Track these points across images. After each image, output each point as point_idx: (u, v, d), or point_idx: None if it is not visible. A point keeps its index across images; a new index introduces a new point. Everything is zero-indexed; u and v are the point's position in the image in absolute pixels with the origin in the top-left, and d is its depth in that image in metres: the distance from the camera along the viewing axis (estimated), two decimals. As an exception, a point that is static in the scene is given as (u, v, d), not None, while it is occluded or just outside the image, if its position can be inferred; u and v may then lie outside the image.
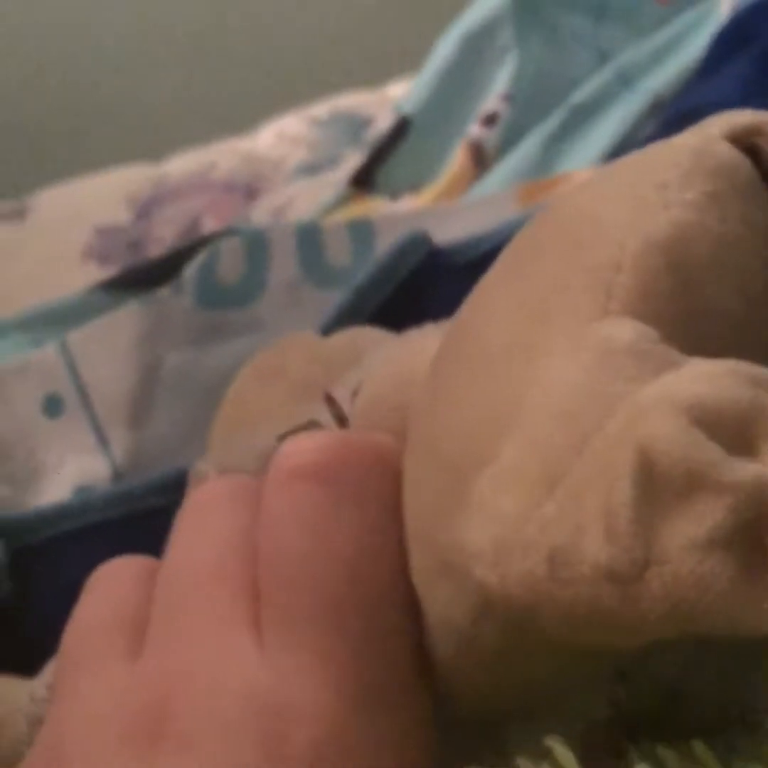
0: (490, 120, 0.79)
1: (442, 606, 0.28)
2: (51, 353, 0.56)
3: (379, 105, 1.02)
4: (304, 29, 1.52)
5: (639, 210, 0.27)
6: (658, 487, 0.23)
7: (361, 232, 0.65)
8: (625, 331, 0.25)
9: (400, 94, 1.04)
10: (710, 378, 0.24)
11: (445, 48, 0.85)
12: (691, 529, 0.22)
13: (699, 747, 0.26)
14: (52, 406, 0.55)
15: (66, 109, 1.56)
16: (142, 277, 0.69)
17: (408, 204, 0.77)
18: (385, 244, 0.64)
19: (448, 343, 0.30)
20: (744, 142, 0.29)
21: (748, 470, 0.22)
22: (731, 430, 0.23)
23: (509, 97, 0.80)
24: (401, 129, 0.80)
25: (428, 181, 0.79)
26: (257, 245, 0.64)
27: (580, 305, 0.27)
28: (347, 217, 0.70)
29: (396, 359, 0.36)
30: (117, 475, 0.54)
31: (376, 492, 0.30)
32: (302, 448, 0.31)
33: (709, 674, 0.29)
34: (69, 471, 0.54)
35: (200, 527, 0.32)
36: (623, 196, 0.28)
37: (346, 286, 0.61)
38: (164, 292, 0.59)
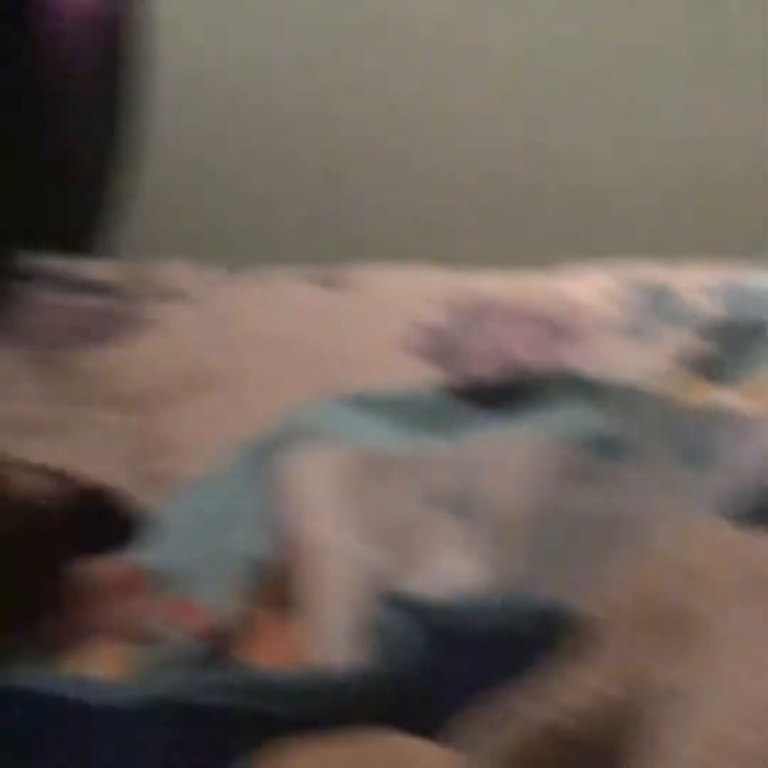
0: None
1: None
2: (446, 453, 0.60)
3: (679, 282, 1.05)
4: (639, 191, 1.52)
5: None
6: None
7: (720, 420, 0.68)
8: None
9: (696, 276, 1.07)
10: None
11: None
12: None
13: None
14: (443, 504, 0.58)
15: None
16: (488, 395, 0.73)
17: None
18: (738, 438, 0.67)
19: None
20: None
21: None
22: None
23: None
24: (758, 330, 0.82)
25: None
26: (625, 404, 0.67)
27: None
28: (703, 402, 0.73)
29: None
30: (481, 587, 0.56)
31: None
32: None
33: None
34: (441, 569, 0.57)
35: None
36: None
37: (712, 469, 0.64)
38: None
